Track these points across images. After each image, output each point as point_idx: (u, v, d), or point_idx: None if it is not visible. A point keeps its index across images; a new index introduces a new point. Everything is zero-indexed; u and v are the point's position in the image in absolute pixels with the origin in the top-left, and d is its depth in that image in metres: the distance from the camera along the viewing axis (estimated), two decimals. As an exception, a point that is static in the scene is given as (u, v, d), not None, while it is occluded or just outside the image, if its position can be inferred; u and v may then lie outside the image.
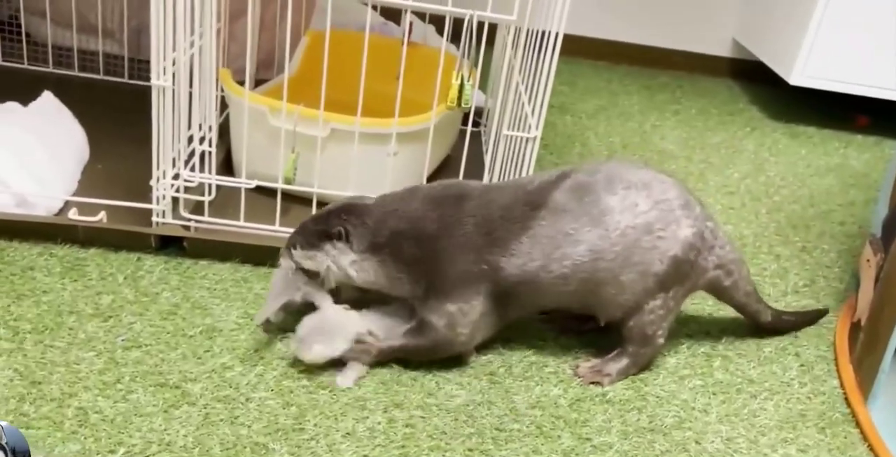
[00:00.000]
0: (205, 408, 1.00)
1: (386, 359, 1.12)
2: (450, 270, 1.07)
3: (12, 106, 1.48)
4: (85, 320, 1.12)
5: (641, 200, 1.08)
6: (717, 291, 1.20)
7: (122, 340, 1.09)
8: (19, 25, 1.82)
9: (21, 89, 1.52)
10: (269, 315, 1.12)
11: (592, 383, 1.13)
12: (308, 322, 1.09)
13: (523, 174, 1.29)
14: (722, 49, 2.62)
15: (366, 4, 1.29)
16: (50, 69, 1.80)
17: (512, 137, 1.29)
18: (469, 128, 1.38)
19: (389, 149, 1.36)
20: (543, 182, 1.10)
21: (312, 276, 1.12)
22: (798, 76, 2.16)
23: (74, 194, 1.35)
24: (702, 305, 1.37)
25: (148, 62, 1.78)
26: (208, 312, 1.17)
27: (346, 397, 1.06)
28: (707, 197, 1.77)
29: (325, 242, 1.10)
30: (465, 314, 1.08)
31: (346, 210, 1.11)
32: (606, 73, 2.47)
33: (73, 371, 1.03)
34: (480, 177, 1.47)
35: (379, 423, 1.02)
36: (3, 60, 1.79)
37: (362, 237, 1.09)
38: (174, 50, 1.21)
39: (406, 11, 1.25)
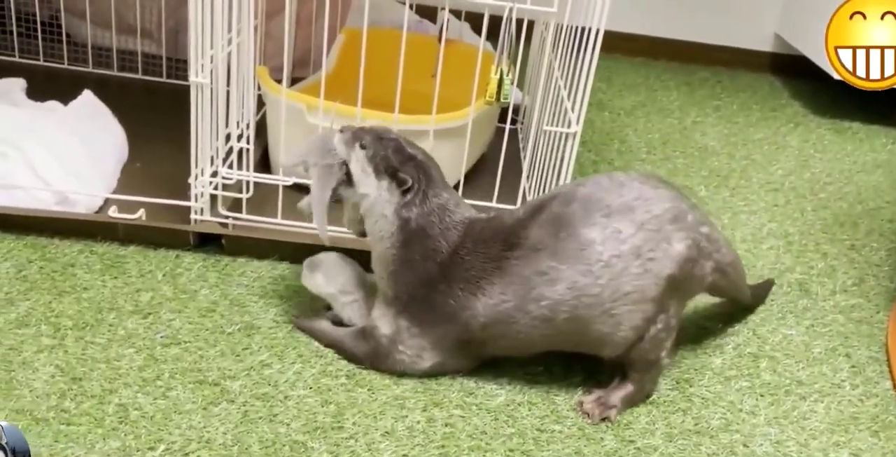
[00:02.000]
0: (244, 405, 1.00)
1: (325, 344, 1.12)
2: (423, 292, 1.04)
3: (53, 105, 1.49)
4: (125, 317, 1.12)
5: (624, 225, 0.99)
6: (712, 292, 1.17)
7: (161, 337, 1.09)
8: (59, 26, 1.84)
9: (61, 89, 1.53)
10: (325, 218, 1.06)
11: (602, 419, 1.05)
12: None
13: (563, 172, 1.27)
14: (763, 44, 2.56)
15: (402, 3, 1.28)
16: (90, 69, 1.82)
17: (551, 133, 1.27)
18: (507, 126, 1.36)
19: (426, 146, 1.35)
20: (520, 218, 1.04)
21: (348, 181, 1.06)
22: (843, 70, 2.10)
23: (114, 192, 1.36)
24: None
25: (185, 62, 1.81)
26: (246, 309, 1.17)
27: (384, 396, 1.04)
28: (750, 194, 1.72)
29: (388, 178, 1.04)
30: (414, 336, 1.05)
31: (427, 172, 1.05)
32: (644, 69, 2.43)
33: (114, 368, 1.03)
34: (518, 175, 1.45)
35: (418, 422, 1.01)
36: (45, 60, 1.81)
37: (414, 207, 1.04)
38: (212, 47, 1.21)
39: (445, 9, 1.24)
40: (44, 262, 1.21)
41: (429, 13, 1.95)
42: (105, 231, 1.27)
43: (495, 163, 1.32)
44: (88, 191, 1.31)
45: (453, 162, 1.41)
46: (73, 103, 1.46)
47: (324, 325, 1.13)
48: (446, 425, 1.01)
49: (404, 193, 1.04)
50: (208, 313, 1.15)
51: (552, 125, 1.27)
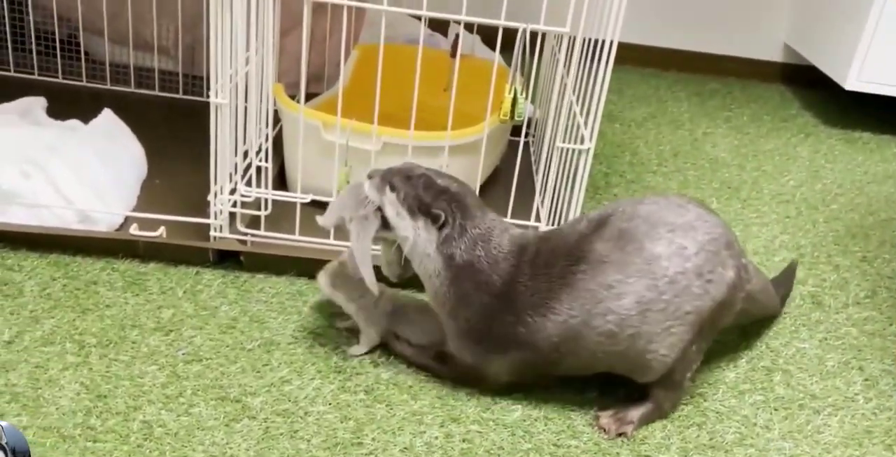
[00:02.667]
0: (265, 422, 1.02)
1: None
2: (489, 324, 1.04)
3: (74, 124, 1.52)
4: (147, 334, 1.14)
5: (689, 242, 1.00)
6: (743, 319, 1.17)
7: (183, 354, 1.11)
8: (78, 44, 1.88)
9: (81, 106, 1.56)
10: (371, 268, 1.06)
11: (619, 434, 1.05)
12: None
13: (576, 186, 1.28)
14: (773, 54, 2.57)
15: (418, 18, 1.30)
16: (108, 86, 1.85)
17: (564, 149, 1.28)
18: (521, 139, 1.37)
19: (441, 161, 1.37)
20: (582, 232, 1.04)
21: (385, 226, 1.06)
22: (853, 81, 2.11)
23: (134, 210, 1.38)
24: (762, 319, 1.34)
25: (201, 78, 1.84)
26: (266, 325, 1.19)
27: (402, 412, 1.06)
28: (762, 206, 1.73)
29: (423, 217, 1.04)
30: (493, 362, 1.07)
31: (461, 203, 1.05)
32: (654, 81, 2.45)
33: (137, 385, 1.05)
34: (531, 188, 1.46)
35: (436, 437, 1.02)
36: (63, 78, 1.84)
37: (453, 242, 1.04)
38: (231, 67, 1.23)
39: (460, 24, 1.25)
40: (67, 279, 1.23)
41: (440, 27, 1.97)
42: (126, 249, 1.29)
43: (508, 176, 1.34)
44: (110, 209, 1.33)
45: (467, 176, 1.42)
46: (94, 122, 1.48)
47: (406, 350, 1.14)
48: (464, 441, 1.02)
49: (440, 228, 1.04)
50: (228, 330, 1.17)
51: (565, 141, 1.29)
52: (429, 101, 1.42)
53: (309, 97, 1.68)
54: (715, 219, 1.06)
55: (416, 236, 1.05)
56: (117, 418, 0.99)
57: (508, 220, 1.32)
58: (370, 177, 1.08)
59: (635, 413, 1.07)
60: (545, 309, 1.01)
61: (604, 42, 1.20)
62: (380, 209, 1.06)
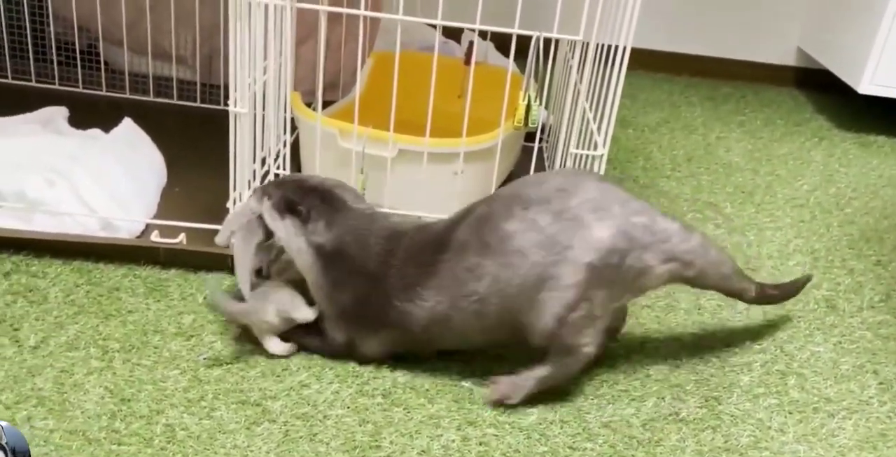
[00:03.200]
0: (285, 425, 1.03)
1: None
2: (362, 308, 1.10)
3: (95, 133, 1.55)
4: (169, 339, 1.16)
5: (541, 215, 1.03)
6: (686, 282, 1.14)
7: (204, 359, 1.13)
8: (97, 54, 1.91)
9: (100, 115, 1.59)
10: (248, 274, 1.13)
11: (503, 398, 1.08)
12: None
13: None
14: (786, 58, 2.57)
15: (433, 26, 1.32)
16: (127, 95, 1.88)
17: (578, 155, 1.30)
18: (536, 145, 1.39)
19: (456, 167, 1.39)
20: (448, 223, 1.10)
21: (268, 233, 1.14)
22: (867, 85, 2.11)
23: (154, 217, 1.40)
24: (775, 321, 1.34)
25: (219, 87, 1.87)
26: (284, 330, 1.21)
27: (419, 415, 1.07)
28: (776, 210, 1.74)
29: (289, 215, 1.12)
30: (364, 340, 1.13)
31: (325, 197, 1.12)
32: (667, 85, 2.46)
33: (160, 389, 1.07)
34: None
35: (453, 441, 1.04)
36: (83, 88, 1.88)
37: (319, 233, 1.11)
38: (249, 76, 1.25)
39: (475, 32, 1.27)
40: (90, 286, 1.26)
41: (453, 34, 1.99)
42: (147, 255, 1.31)
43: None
44: (131, 216, 1.36)
45: (482, 182, 1.44)
46: (115, 131, 1.51)
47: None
48: (480, 444, 1.03)
49: (305, 222, 1.11)
50: (248, 335, 1.19)
51: (579, 147, 1.30)
52: (443, 107, 1.44)
53: (324, 105, 1.71)
54: (582, 185, 1.06)
55: (288, 234, 1.12)
56: (141, 422, 1.01)
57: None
58: (254, 191, 1.17)
59: (530, 377, 1.09)
60: (413, 295, 1.07)
61: (617, 48, 1.21)
62: (262, 218, 1.14)
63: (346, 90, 1.81)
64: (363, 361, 1.15)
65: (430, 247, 1.08)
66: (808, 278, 1.32)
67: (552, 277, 1.03)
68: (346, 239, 1.10)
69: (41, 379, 1.06)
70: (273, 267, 1.21)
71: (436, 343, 1.13)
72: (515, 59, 1.30)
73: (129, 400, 1.04)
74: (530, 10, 1.25)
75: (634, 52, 1.22)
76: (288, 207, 1.12)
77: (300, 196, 1.12)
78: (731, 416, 1.13)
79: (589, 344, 1.08)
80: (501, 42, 1.47)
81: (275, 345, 1.14)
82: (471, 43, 1.86)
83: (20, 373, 1.07)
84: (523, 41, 1.25)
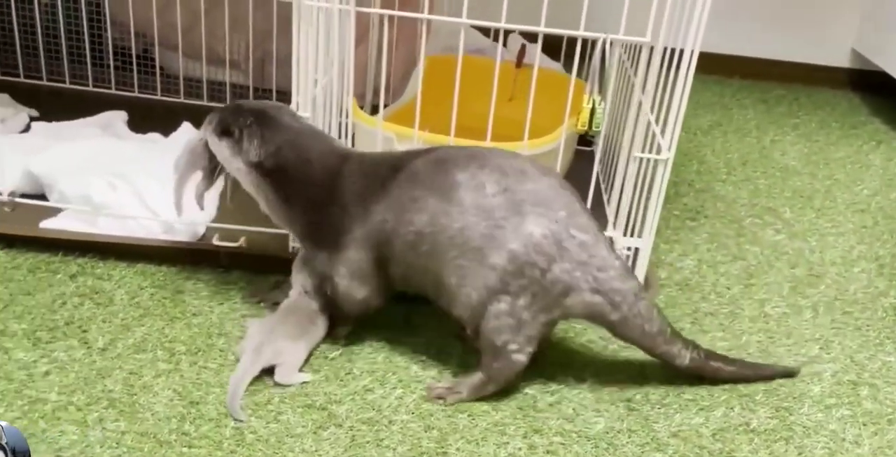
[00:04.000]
0: (351, 430, 1.03)
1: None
2: (318, 217, 1.11)
3: (154, 137, 1.57)
4: (233, 342, 1.17)
5: (490, 183, 1.04)
6: (606, 325, 1.08)
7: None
8: (152, 59, 1.93)
9: (156, 119, 1.61)
10: (182, 196, 1.20)
11: (437, 397, 1.08)
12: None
13: (653, 197, 1.27)
14: (840, 59, 2.52)
15: (509, 31, 1.31)
16: (181, 100, 1.90)
17: (642, 158, 1.28)
18: (596, 150, 1.37)
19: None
20: (412, 151, 1.13)
21: (213, 157, 1.16)
22: (928, 86, 2.05)
23: (214, 221, 1.41)
24: (843, 329, 1.31)
25: (271, 91, 1.88)
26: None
27: (484, 422, 1.06)
28: (837, 215, 1.70)
29: (225, 137, 1.14)
30: (336, 263, 1.12)
31: (258, 116, 1.13)
32: (718, 88, 2.42)
33: (227, 392, 1.07)
34: (598, 198, 1.46)
35: (520, 449, 1.02)
36: (139, 92, 1.90)
37: (253, 152, 1.12)
38: (312, 81, 1.26)
39: (539, 36, 1.26)
40: (154, 288, 1.27)
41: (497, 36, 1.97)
42: (209, 258, 1.32)
43: (573, 184, 1.33)
44: (192, 220, 1.37)
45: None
46: (174, 135, 1.53)
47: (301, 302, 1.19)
48: (547, 453, 1.02)
49: (239, 142, 1.12)
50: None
51: (643, 151, 1.28)
52: (496, 110, 1.43)
53: (375, 109, 1.71)
54: (543, 180, 1.05)
55: (228, 156, 1.14)
56: (210, 425, 1.02)
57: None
58: (202, 127, 1.18)
59: (465, 383, 1.09)
60: (365, 206, 1.09)
61: (681, 51, 1.19)
62: (206, 143, 1.16)
63: (395, 94, 1.81)
64: (352, 308, 1.15)
65: (386, 166, 1.10)
66: (790, 371, 1.18)
67: (479, 249, 1.03)
68: (285, 155, 1.12)
69: (111, 381, 1.07)
70: (234, 197, 1.24)
71: (394, 275, 1.11)
72: (559, 60, 1.28)
73: (197, 403, 1.05)
74: (576, 11, 1.23)
75: (675, 52, 1.20)
76: (224, 130, 1.13)
77: (234, 118, 1.13)
78: (804, 427, 1.10)
79: (517, 351, 1.06)
80: (549, 44, 1.45)
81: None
82: (523, 45, 1.85)
83: (90, 375, 1.08)
84: (564, 43, 1.23)
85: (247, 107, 1.16)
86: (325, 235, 1.12)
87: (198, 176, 1.20)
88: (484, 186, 1.04)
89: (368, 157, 1.15)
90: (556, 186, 1.06)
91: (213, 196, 1.48)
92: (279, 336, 1.12)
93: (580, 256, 1.04)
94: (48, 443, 0.97)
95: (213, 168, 1.18)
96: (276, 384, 1.09)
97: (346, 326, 1.19)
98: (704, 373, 1.14)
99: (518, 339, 1.06)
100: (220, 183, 1.29)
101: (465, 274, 1.05)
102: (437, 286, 1.09)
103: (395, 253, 1.09)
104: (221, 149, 1.14)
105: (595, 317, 1.08)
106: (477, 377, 1.09)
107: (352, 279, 1.13)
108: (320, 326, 1.16)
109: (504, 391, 1.11)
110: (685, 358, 1.11)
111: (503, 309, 1.04)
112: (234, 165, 1.14)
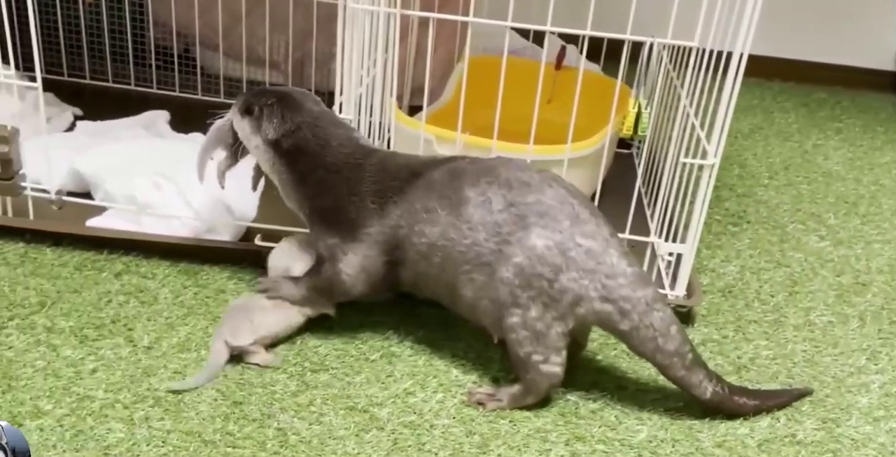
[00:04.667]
0: (392, 433, 1.03)
1: (298, 301, 1.16)
2: (334, 204, 1.12)
3: (196, 136, 1.58)
4: (275, 343, 1.17)
5: (497, 198, 1.05)
6: (618, 336, 1.06)
7: (308, 365, 1.14)
8: (193, 59, 1.95)
9: (197, 118, 1.61)
10: (202, 167, 1.23)
11: (478, 403, 1.08)
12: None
13: (697, 203, 1.26)
14: (884, 62, 2.47)
15: (553, 33, 1.30)
16: (221, 99, 1.91)
17: (687, 164, 1.26)
18: (636, 154, 1.36)
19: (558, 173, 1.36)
20: (433, 159, 1.13)
21: (236, 135, 1.19)
22: (978, 90, 2.00)
23: (254, 221, 1.42)
24: (891, 339, 1.28)
25: (309, 91, 1.88)
26: (385, 335, 1.21)
27: (526, 428, 1.06)
28: (882, 222, 1.66)
29: (247, 115, 1.16)
30: (346, 253, 1.11)
31: (281, 98, 1.15)
32: (759, 90, 2.38)
33: (270, 392, 1.08)
34: (639, 203, 1.45)
35: (562, 456, 1.02)
36: (180, 91, 1.92)
37: (272, 130, 1.14)
38: (355, 81, 1.26)
39: (585, 37, 1.25)
40: (197, 288, 1.28)
41: (538, 37, 1.96)
42: (251, 258, 1.33)
43: (611, 188, 1.32)
44: (234, 220, 1.38)
45: (582, 188, 1.42)
46: (216, 135, 1.53)
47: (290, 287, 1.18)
48: (590, 460, 1.01)
49: (259, 121, 1.14)
50: (351, 340, 1.19)
51: (687, 156, 1.27)
52: (531, 113, 1.42)
53: (411, 110, 1.71)
54: (547, 188, 1.05)
55: (247, 133, 1.17)
56: (254, 425, 1.02)
57: (628, 236, 1.30)
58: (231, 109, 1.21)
59: (505, 392, 1.09)
60: (384, 204, 1.10)
61: (728, 54, 1.17)
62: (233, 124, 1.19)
63: (433, 96, 1.81)
64: (346, 294, 1.14)
65: (408, 170, 1.11)
66: (806, 392, 1.14)
67: (489, 264, 1.05)
68: (304, 135, 1.14)
69: (156, 379, 1.08)
70: (256, 184, 1.28)
71: (402, 277, 1.12)
72: (594, 62, 1.26)
73: (240, 403, 1.06)
74: (617, 13, 1.22)
75: (723, 56, 1.18)
76: (246, 108, 1.16)
77: (258, 98, 1.16)
78: (852, 440, 1.08)
79: (544, 361, 1.05)
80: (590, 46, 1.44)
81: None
82: (563, 47, 1.84)
83: (136, 373, 1.09)
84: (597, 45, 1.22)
85: (272, 89, 1.20)
86: (338, 222, 1.12)
87: (221, 155, 1.23)
88: (490, 201, 1.05)
89: (392, 158, 1.16)
90: (562, 196, 1.05)
91: (254, 197, 1.49)
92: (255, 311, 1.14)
93: (587, 264, 1.02)
94: (96, 440, 0.98)
95: (235, 147, 1.21)
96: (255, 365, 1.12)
97: (322, 310, 1.18)
98: (727, 409, 1.08)
99: (539, 349, 1.05)
100: (260, 186, 1.30)
101: (480, 287, 1.06)
102: (452, 296, 1.10)
103: (407, 259, 1.10)
104: (243, 127, 1.17)
105: (606, 326, 1.06)
106: (517, 388, 1.09)
107: (359, 273, 1.12)
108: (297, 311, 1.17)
109: (546, 399, 1.10)
110: (706, 391, 1.06)
111: (517, 322, 1.04)
112: (253, 142, 1.17)
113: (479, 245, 1.05)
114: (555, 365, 1.06)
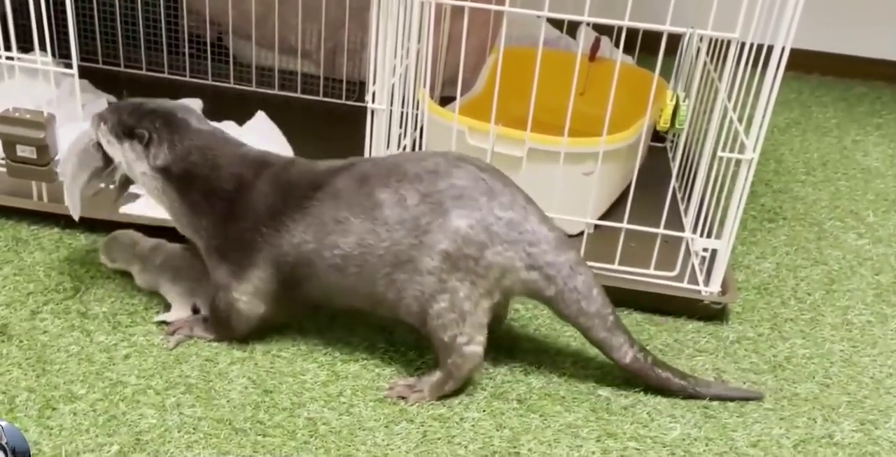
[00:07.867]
0: (422, 425, 1.03)
1: (195, 334, 1.14)
2: (227, 231, 1.07)
3: (229, 125, 1.58)
4: (305, 332, 1.17)
5: (410, 193, 1.02)
6: (545, 302, 1.07)
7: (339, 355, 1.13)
8: (226, 47, 1.96)
9: (229, 107, 1.62)
10: (79, 198, 1.16)
11: (399, 396, 1.06)
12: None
13: (734, 198, 1.23)
14: (927, 56, 2.40)
15: (588, 24, 1.28)
16: (253, 88, 1.91)
17: (725, 158, 1.24)
18: (670, 148, 1.34)
19: (586, 168, 1.35)
20: (333, 166, 1.08)
21: (107, 159, 1.13)
22: None
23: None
24: (932, 341, 1.26)
25: (341, 81, 1.88)
26: (415, 329, 1.20)
27: (557, 423, 1.05)
28: (924, 220, 1.62)
29: (128, 139, 1.10)
30: (242, 281, 1.08)
31: (167, 119, 1.09)
32: (796, 84, 2.34)
33: (300, 382, 1.08)
34: (665, 194, 1.42)
35: (593, 453, 1.01)
36: (212, 80, 1.93)
37: (162, 156, 1.08)
38: (388, 72, 1.25)
39: (624, 28, 1.23)
40: (228, 276, 1.28)
41: (571, 28, 1.94)
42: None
43: (644, 182, 1.30)
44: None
45: (615, 181, 1.40)
46: (249, 123, 1.54)
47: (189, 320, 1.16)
48: (622, 457, 1.00)
49: (147, 146, 1.08)
50: (381, 331, 1.19)
51: (724, 150, 1.24)
52: (566, 104, 1.40)
53: (444, 100, 1.69)
54: (457, 171, 1.03)
55: (128, 159, 1.10)
56: (284, 414, 1.02)
57: (661, 231, 1.28)
58: (91, 117, 1.14)
59: (425, 382, 1.07)
60: (280, 224, 1.05)
61: (769, 47, 1.15)
62: (99, 144, 1.12)
63: (465, 87, 1.79)
64: (246, 323, 1.10)
65: (307, 182, 1.06)
66: (755, 396, 1.11)
67: (410, 260, 1.02)
68: (193, 160, 1.08)
69: (188, 367, 1.09)
70: (121, 194, 1.24)
71: (306, 290, 1.08)
72: (628, 54, 1.24)
73: (271, 392, 1.06)
74: (653, 4, 1.19)
75: (761, 49, 1.16)
76: (126, 131, 1.09)
77: (138, 119, 1.09)
78: (891, 442, 1.05)
79: (467, 342, 1.04)
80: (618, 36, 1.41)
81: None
82: (597, 38, 1.81)
83: (168, 360, 1.10)
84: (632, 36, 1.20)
85: (149, 107, 1.11)
86: (233, 250, 1.08)
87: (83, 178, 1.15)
88: (405, 199, 1.02)
89: (285, 172, 1.09)
90: (472, 173, 1.04)
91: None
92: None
93: (510, 236, 1.02)
94: (128, 425, 0.99)
95: (109, 170, 1.16)
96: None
97: (225, 339, 1.14)
98: (649, 380, 1.09)
99: (465, 329, 1.04)
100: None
101: (402, 287, 1.03)
102: (372, 302, 1.07)
103: (317, 274, 1.05)
104: (124, 151, 1.10)
105: (533, 294, 1.06)
106: (437, 375, 1.07)
107: (254, 297, 1.09)
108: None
109: (577, 393, 1.09)
110: (626, 355, 1.06)
111: (444, 307, 1.03)
112: (138, 168, 1.10)
113: (398, 244, 1.02)
114: (478, 345, 1.05)
